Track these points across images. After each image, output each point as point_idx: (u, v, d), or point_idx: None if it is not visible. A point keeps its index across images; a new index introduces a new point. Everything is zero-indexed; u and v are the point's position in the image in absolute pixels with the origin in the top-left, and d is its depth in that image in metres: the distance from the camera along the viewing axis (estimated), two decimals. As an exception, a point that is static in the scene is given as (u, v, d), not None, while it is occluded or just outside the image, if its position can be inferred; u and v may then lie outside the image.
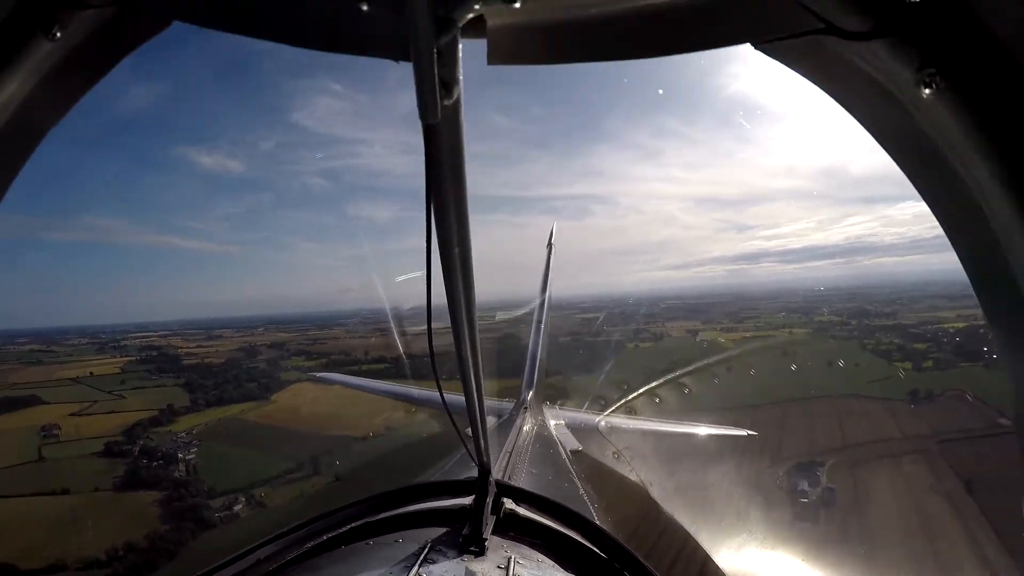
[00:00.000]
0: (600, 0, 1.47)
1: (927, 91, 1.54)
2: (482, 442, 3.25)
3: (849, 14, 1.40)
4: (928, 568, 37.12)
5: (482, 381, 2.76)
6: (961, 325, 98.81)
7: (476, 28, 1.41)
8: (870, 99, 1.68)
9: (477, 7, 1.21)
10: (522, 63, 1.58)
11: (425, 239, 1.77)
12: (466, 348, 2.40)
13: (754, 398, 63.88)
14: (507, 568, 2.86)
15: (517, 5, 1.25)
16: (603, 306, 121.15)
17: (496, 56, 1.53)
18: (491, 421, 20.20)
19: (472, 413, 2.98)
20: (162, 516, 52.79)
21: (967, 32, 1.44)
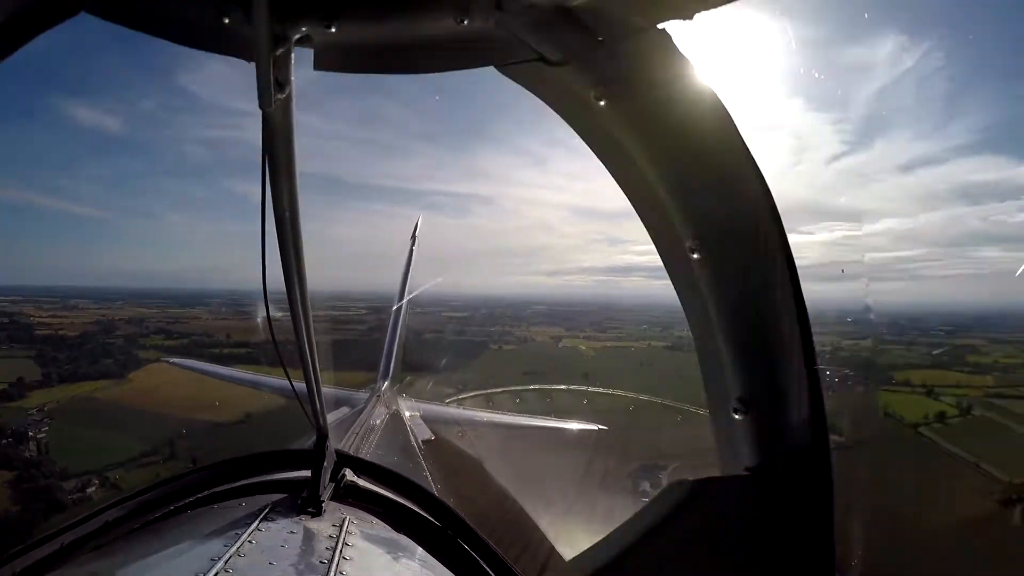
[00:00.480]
0: (403, 26, 1.94)
1: (602, 102, 2.16)
2: (318, 406, 3.39)
3: (551, 47, 1.88)
4: None
5: (316, 350, 3.07)
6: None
7: (307, 41, 1.94)
8: (571, 109, 2.26)
9: (304, 29, 1.74)
10: (344, 71, 2.12)
11: (260, 221, 2.26)
12: (300, 317, 2.82)
13: (608, 403, 66.98)
14: (341, 527, 3.03)
15: (334, 29, 1.78)
16: (473, 306, 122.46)
17: (321, 64, 2.04)
18: (344, 410, 21.07)
19: (308, 379, 3.18)
20: (12, 497, 50.03)
21: (625, 59, 2.04)
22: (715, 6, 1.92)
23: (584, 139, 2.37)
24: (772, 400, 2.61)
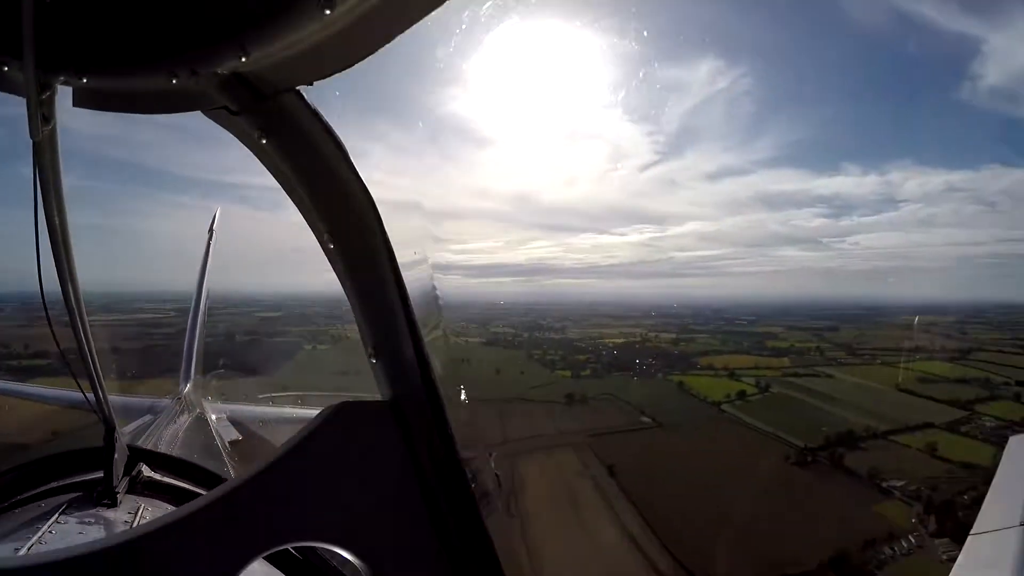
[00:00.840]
0: (137, 80, 2.33)
1: (263, 141, 2.52)
2: (102, 396, 3.51)
3: (229, 100, 2.30)
4: (574, 527, 43.90)
5: (93, 345, 3.32)
6: (619, 341, 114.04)
7: (67, 83, 2.29)
8: (252, 146, 2.60)
9: (62, 78, 2.15)
10: (96, 109, 2.45)
11: (35, 236, 2.72)
12: (76, 315, 3.14)
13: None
14: (136, 513, 3.16)
15: (85, 80, 2.17)
16: (286, 305, 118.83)
17: (77, 102, 2.39)
18: (147, 418, 19.96)
19: (90, 375, 3.38)
20: None
21: (277, 107, 2.43)
22: (328, 75, 2.40)
23: (265, 166, 2.70)
24: (390, 350, 2.97)
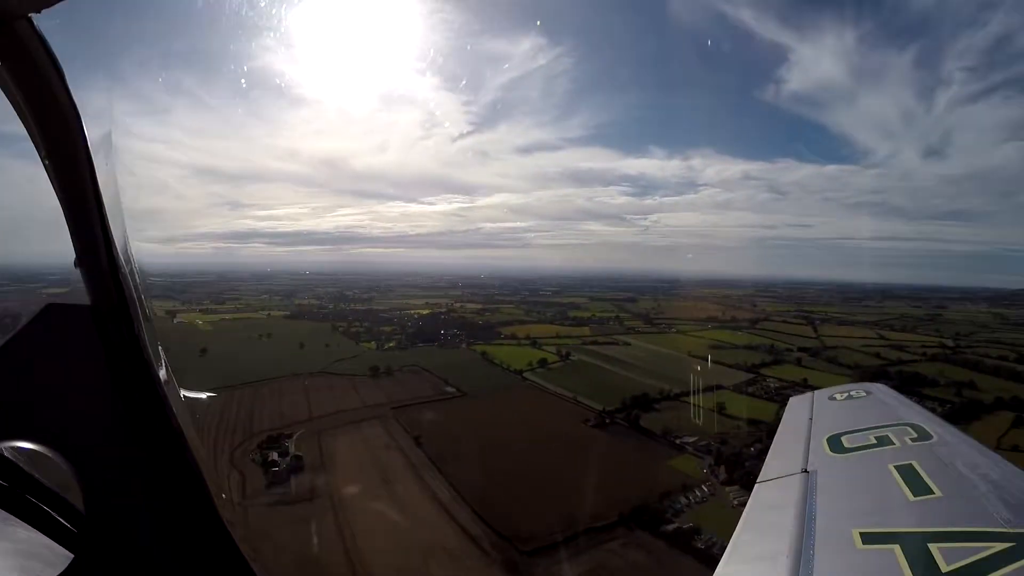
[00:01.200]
0: None
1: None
2: None
3: None
4: (385, 499, 45.03)
5: None
6: (425, 312, 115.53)
7: None
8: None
9: None
10: None
11: None
12: None
13: (227, 380, 65.52)
14: None
15: None
16: (73, 280, 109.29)
17: None
18: None
19: None
20: None
21: (10, 34, 2.42)
22: (54, 3, 2.40)
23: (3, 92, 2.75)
24: (90, 259, 3.23)
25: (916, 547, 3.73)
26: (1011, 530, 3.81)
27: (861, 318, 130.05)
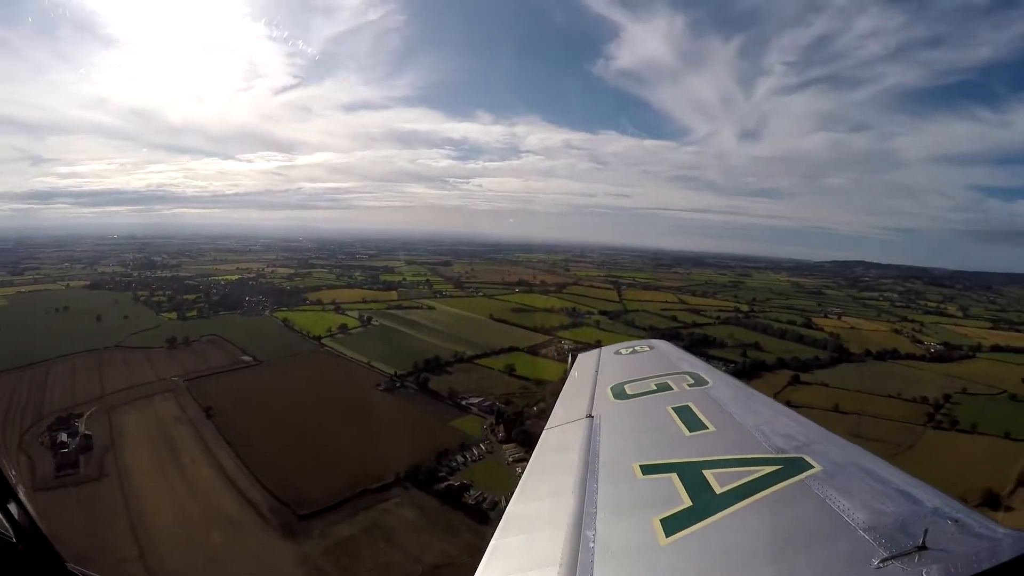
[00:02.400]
0: None
1: None
2: None
3: None
4: (172, 472, 46.79)
5: None
6: (233, 278, 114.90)
7: None
8: None
9: None
10: None
11: None
12: None
13: (18, 359, 64.12)
14: None
15: None
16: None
17: None
18: None
19: None
20: None
21: None
22: None
23: None
24: None
25: (692, 474, 4.20)
26: (777, 455, 4.36)
27: (667, 283, 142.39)
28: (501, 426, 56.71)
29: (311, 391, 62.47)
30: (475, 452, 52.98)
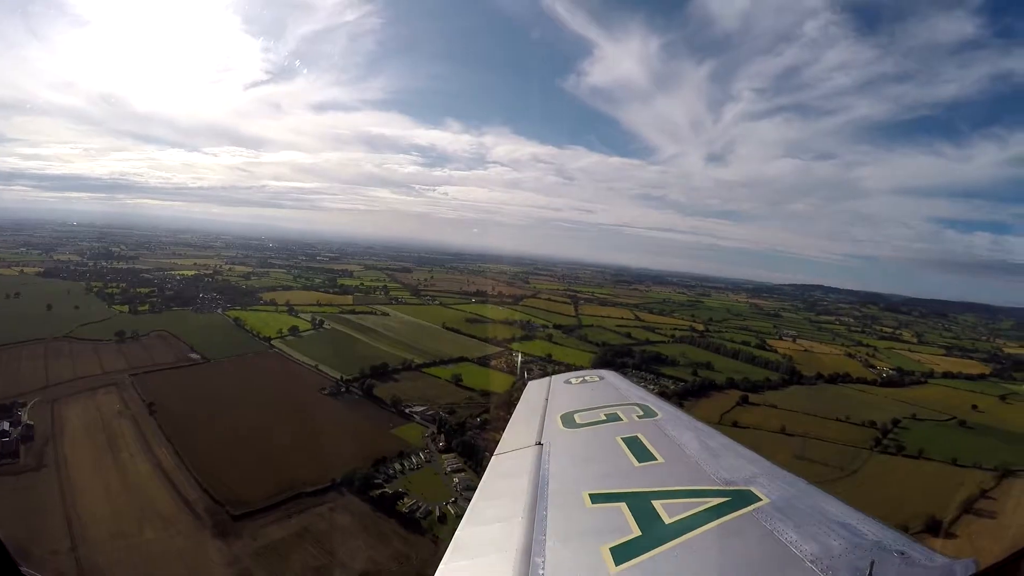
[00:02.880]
0: None
1: None
2: None
3: None
4: (110, 466, 48.04)
5: None
6: (190, 273, 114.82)
7: None
8: None
9: None
10: None
11: None
12: None
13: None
14: None
15: None
16: None
17: None
18: None
19: None
20: None
21: None
22: None
23: None
24: None
25: (641, 504, 4.24)
26: (724, 487, 4.43)
27: (625, 300, 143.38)
28: (442, 436, 57.21)
29: (256, 392, 63.30)
30: (413, 461, 53.40)
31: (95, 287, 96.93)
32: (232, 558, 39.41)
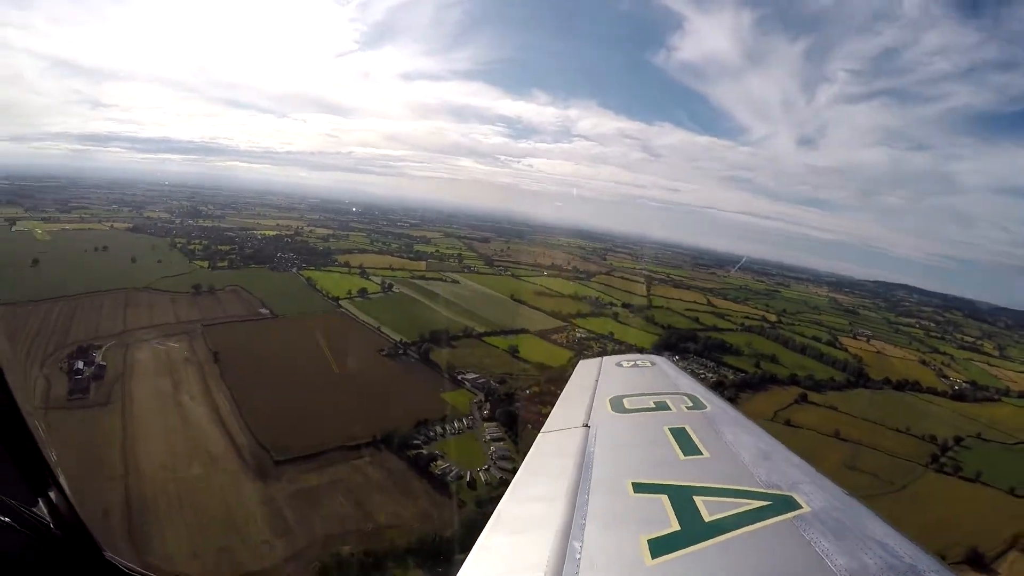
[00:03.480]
0: None
1: None
2: None
3: None
4: (171, 407, 50.89)
5: None
6: (271, 233, 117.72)
7: None
8: None
9: None
10: None
11: None
12: None
13: (53, 291, 67.58)
14: None
15: None
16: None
17: None
18: None
19: None
20: None
21: None
22: None
23: None
24: None
25: (682, 498, 4.18)
26: (766, 491, 4.33)
27: (701, 284, 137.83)
28: (488, 404, 57.38)
29: (316, 348, 64.03)
30: (456, 426, 53.86)
31: (179, 243, 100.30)
32: (267, 498, 40.87)
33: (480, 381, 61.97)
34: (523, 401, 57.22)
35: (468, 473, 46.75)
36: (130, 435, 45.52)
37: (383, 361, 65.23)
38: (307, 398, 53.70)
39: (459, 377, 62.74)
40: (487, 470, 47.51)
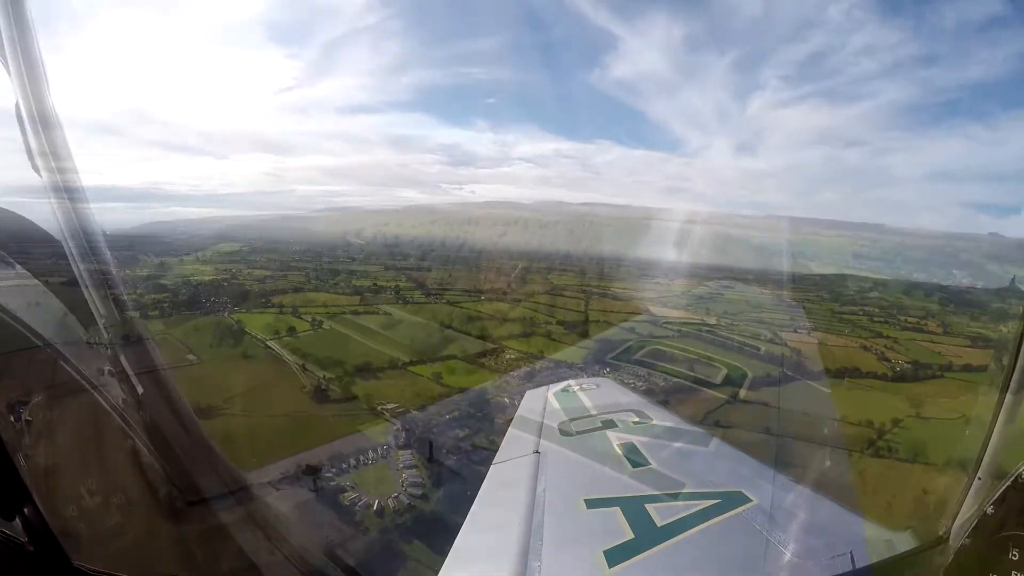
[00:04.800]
0: None
1: None
2: None
3: None
4: (93, 461, 49.53)
5: None
6: (207, 279, 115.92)
7: None
8: None
9: None
10: None
11: None
12: None
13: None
14: None
15: None
16: None
17: None
18: None
19: None
20: None
21: None
22: None
23: None
24: None
25: (635, 508, 4.43)
26: (715, 490, 4.64)
27: (643, 294, 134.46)
28: (404, 432, 56.77)
29: (236, 388, 63.67)
30: (371, 456, 53.21)
31: (112, 295, 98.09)
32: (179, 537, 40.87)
33: (399, 410, 61.64)
34: (440, 426, 57.76)
35: (377, 501, 46.44)
36: (56, 487, 44.10)
37: (303, 397, 65.44)
38: (226, 438, 52.45)
39: (378, 408, 62.56)
40: (396, 497, 47.09)
